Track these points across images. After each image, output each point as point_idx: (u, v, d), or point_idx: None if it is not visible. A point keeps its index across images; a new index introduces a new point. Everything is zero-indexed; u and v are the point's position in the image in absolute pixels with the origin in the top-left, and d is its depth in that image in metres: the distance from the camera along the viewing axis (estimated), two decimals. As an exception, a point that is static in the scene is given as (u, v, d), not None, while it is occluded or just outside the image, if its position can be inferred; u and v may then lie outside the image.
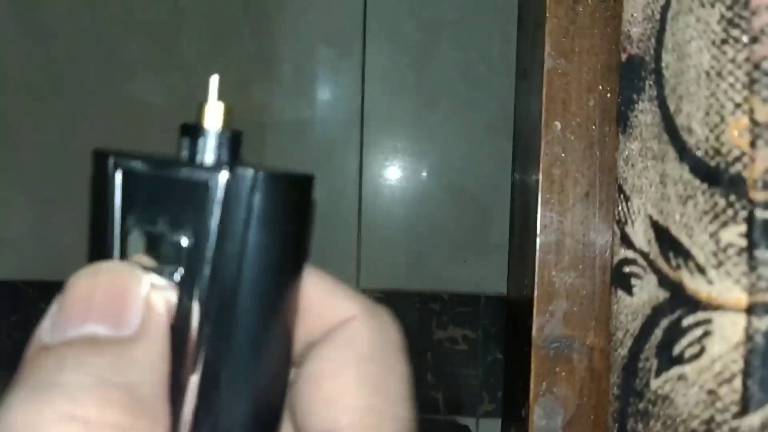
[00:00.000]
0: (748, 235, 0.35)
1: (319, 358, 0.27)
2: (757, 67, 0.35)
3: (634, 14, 0.43)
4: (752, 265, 0.35)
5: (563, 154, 0.46)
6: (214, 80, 0.28)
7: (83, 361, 0.22)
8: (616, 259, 0.44)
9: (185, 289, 0.25)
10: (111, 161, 0.26)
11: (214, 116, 0.27)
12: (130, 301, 0.24)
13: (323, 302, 0.28)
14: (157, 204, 0.25)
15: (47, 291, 1.29)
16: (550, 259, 0.47)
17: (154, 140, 1.31)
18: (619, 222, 0.44)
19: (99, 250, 0.26)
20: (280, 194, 0.26)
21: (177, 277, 0.25)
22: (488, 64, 1.26)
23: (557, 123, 0.46)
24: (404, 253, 1.29)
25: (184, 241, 0.25)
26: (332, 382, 0.27)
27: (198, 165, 0.26)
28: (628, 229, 0.43)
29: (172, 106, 1.27)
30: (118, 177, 0.26)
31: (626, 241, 0.43)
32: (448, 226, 1.29)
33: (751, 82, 0.35)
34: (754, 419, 0.35)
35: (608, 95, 0.46)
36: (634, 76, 0.43)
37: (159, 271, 0.25)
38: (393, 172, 1.29)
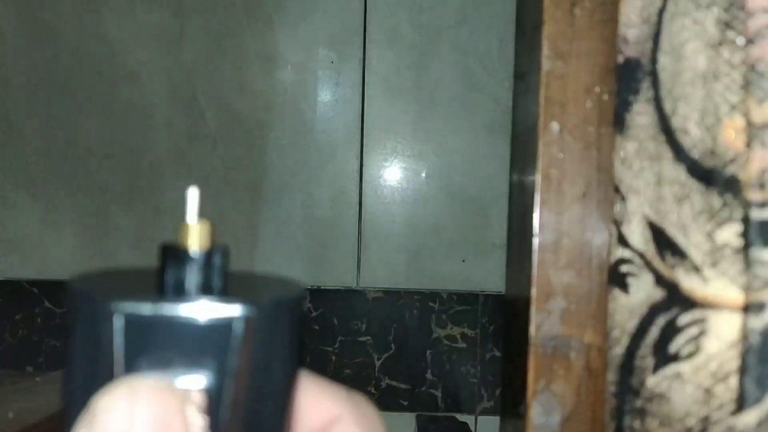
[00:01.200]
0: (744, 234, 0.36)
1: None
2: (752, 68, 0.35)
3: (631, 17, 0.43)
4: (747, 264, 0.35)
5: (561, 155, 0.46)
6: (193, 194, 0.26)
7: None
8: (612, 259, 0.44)
9: (209, 427, 0.23)
10: (109, 306, 0.23)
11: (199, 236, 0.25)
12: (175, 425, 0.23)
13: (310, 404, 0.28)
14: (166, 347, 0.23)
15: (51, 290, 1.29)
16: (548, 259, 0.47)
17: (156, 141, 1.31)
18: (615, 222, 0.44)
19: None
20: (292, 317, 0.25)
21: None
22: (486, 67, 1.26)
23: (555, 124, 0.46)
24: (404, 252, 1.30)
25: (202, 383, 0.23)
26: None
27: (211, 300, 0.24)
28: (625, 229, 0.43)
29: (175, 107, 1.27)
30: (119, 323, 0.23)
31: (623, 241, 0.43)
32: (447, 226, 1.30)
33: (747, 84, 0.35)
34: (749, 417, 0.35)
35: (605, 97, 0.46)
36: (630, 78, 0.43)
37: None
38: (393, 173, 1.29)
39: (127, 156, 1.27)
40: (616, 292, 0.43)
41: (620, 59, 0.44)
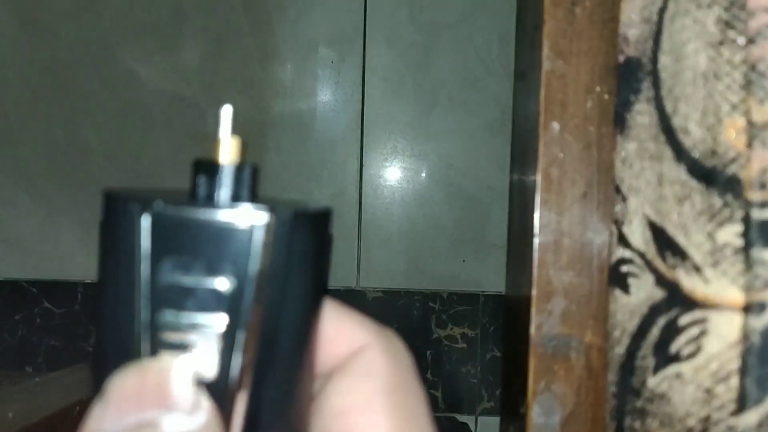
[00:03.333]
0: (745, 234, 0.36)
1: (344, 392, 0.27)
2: (753, 68, 0.35)
3: (632, 16, 0.43)
4: (748, 264, 0.35)
5: (561, 155, 0.46)
6: (227, 111, 0.27)
7: None
8: (613, 259, 0.44)
9: (227, 336, 0.24)
10: (136, 206, 0.24)
11: (230, 151, 0.26)
12: (181, 388, 0.23)
13: (335, 332, 0.28)
14: (191, 250, 0.24)
15: (51, 290, 1.29)
16: (549, 259, 0.47)
17: (155, 140, 1.31)
18: (616, 222, 0.44)
19: (125, 302, 0.24)
20: (317, 232, 0.26)
21: (219, 326, 0.24)
22: (487, 66, 1.26)
23: (555, 124, 0.46)
24: (404, 252, 1.30)
25: (224, 287, 0.24)
26: (362, 416, 0.26)
27: (236, 206, 0.24)
28: (626, 229, 0.43)
29: (174, 106, 1.27)
30: (146, 223, 0.24)
31: (623, 241, 0.43)
32: (447, 226, 1.30)
33: (748, 84, 0.35)
34: (750, 417, 0.35)
35: (606, 96, 0.46)
36: (631, 78, 0.43)
37: (197, 322, 0.24)
38: (392, 173, 1.29)
39: (127, 156, 1.27)
40: (617, 293, 0.43)
41: (621, 59, 0.44)
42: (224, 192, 0.25)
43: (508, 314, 0.55)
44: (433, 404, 1.25)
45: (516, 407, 0.49)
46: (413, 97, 1.29)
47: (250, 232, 0.24)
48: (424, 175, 1.29)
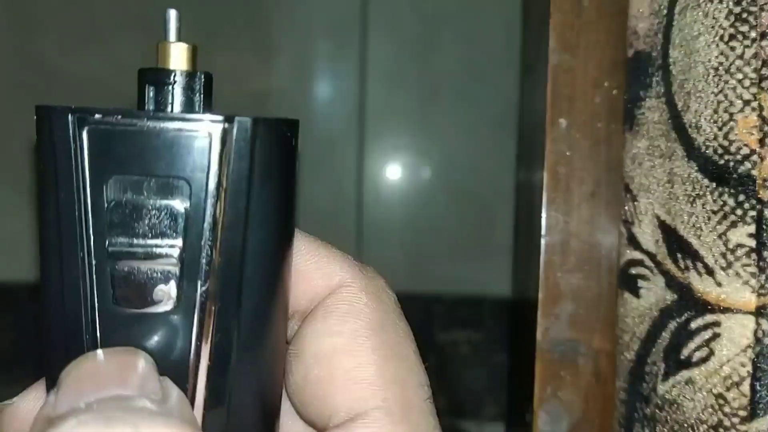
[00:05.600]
0: (757, 235, 0.35)
1: (326, 333, 0.26)
2: (765, 63, 0.35)
3: (641, 9, 0.42)
4: (761, 266, 0.35)
5: (569, 153, 0.46)
6: (173, 15, 0.25)
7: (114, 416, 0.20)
8: (622, 261, 0.44)
9: (186, 260, 0.22)
10: (72, 117, 0.21)
11: (179, 57, 0.24)
12: (139, 366, 0.21)
13: (311, 267, 0.26)
14: (140, 166, 0.22)
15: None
16: (556, 261, 0.47)
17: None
18: (625, 222, 0.43)
19: (69, 231, 0.22)
20: (280, 142, 0.23)
21: (176, 252, 0.22)
22: (492, 59, 1.25)
23: (562, 120, 0.46)
24: (405, 253, 1.29)
25: (179, 206, 0.22)
26: (347, 357, 0.25)
27: (187, 115, 0.22)
28: (635, 230, 0.42)
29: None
30: (84, 136, 0.21)
31: (633, 242, 0.42)
32: (451, 226, 1.29)
33: (760, 79, 0.35)
34: (762, 424, 0.34)
35: (614, 92, 0.46)
36: (641, 73, 0.42)
37: (152, 249, 0.22)
38: (394, 170, 1.28)
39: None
40: (626, 296, 0.43)
41: (630, 53, 0.43)
42: (175, 102, 0.23)
43: (514, 318, 0.55)
44: (436, 411, 1.25)
45: (522, 414, 0.49)
46: (415, 91, 1.28)
47: (206, 141, 0.22)
48: (426, 172, 1.29)
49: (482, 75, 1.28)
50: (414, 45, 1.27)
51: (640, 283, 0.42)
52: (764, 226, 0.35)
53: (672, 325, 0.39)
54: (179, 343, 0.22)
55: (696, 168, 0.37)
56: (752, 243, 0.35)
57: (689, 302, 0.38)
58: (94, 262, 0.22)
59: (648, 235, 0.41)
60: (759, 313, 0.35)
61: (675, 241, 0.39)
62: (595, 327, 0.46)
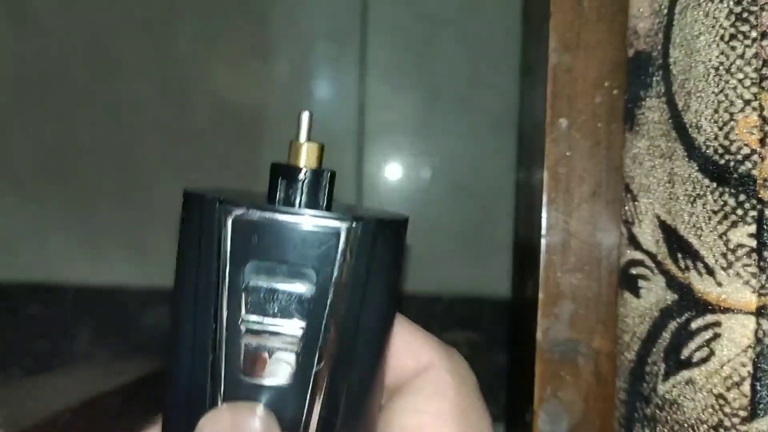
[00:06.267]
0: (758, 235, 0.35)
1: (413, 410, 0.28)
2: (766, 63, 0.35)
3: (641, 9, 0.42)
4: (762, 266, 0.35)
5: (569, 153, 0.46)
6: (306, 117, 0.27)
7: None
8: (623, 261, 0.43)
9: (306, 340, 0.24)
10: (219, 207, 0.24)
11: (309, 156, 0.26)
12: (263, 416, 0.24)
13: (403, 347, 0.28)
14: (274, 254, 0.24)
15: (39, 292, 1.29)
16: (556, 261, 0.47)
17: (146, 137, 1.30)
18: (626, 222, 0.43)
19: (205, 306, 0.25)
20: (397, 240, 0.26)
21: (298, 331, 0.24)
22: (492, 59, 1.25)
23: (563, 120, 0.46)
24: (405, 254, 1.29)
25: (305, 292, 0.24)
26: None
27: (320, 212, 0.25)
28: (636, 230, 0.42)
29: (168, 103, 1.26)
30: (229, 224, 0.24)
31: (633, 242, 0.42)
32: (451, 227, 1.28)
33: (761, 79, 0.35)
34: (763, 424, 0.34)
35: (615, 92, 0.46)
36: (641, 72, 0.42)
37: (278, 327, 0.24)
38: (393, 172, 1.28)
39: (117, 153, 1.26)
40: (627, 296, 0.43)
41: (630, 52, 0.43)
42: (303, 197, 0.26)
43: (514, 318, 0.55)
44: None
45: (521, 414, 0.49)
46: (414, 93, 1.27)
47: (334, 237, 0.24)
48: (425, 173, 1.28)
49: (482, 75, 1.28)
50: (414, 46, 1.27)
51: (641, 283, 0.42)
52: (765, 226, 0.35)
53: (672, 325, 0.39)
54: (291, 413, 0.25)
55: (696, 168, 0.37)
56: (753, 243, 0.35)
57: (690, 302, 0.38)
58: (225, 335, 0.24)
59: (648, 235, 0.41)
60: (759, 313, 0.35)
61: (675, 241, 0.39)
62: (595, 327, 0.46)
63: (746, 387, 0.35)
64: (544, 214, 0.46)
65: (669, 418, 0.39)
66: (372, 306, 0.25)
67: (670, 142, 0.39)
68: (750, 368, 0.35)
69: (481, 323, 1.31)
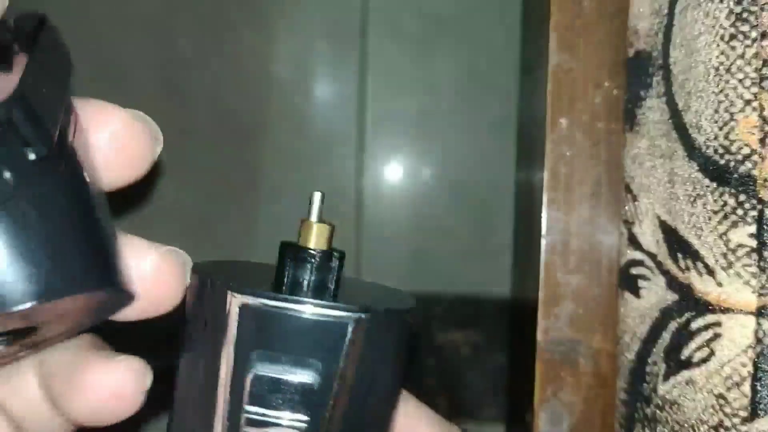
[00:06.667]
0: (758, 235, 0.35)
1: None
2: (766, 63, 0.35)
3: (641, 9, 0.42)
4: (762, 266, 0.35)
5: (569, 153, 0.46)
6: (318, 197, 0.27)
7: None
8: (623, 261, 0.43)
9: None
10: (229, 293, 0.24)
11: (321, 237, 0.26)
12: None
13: (406, 425, 0.29)
14: (279, 343, 0.24)
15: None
16: (556, 261, 0.46)
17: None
18: (626, 222, 0.43)
19: (207, 395, 0.24)
20: (403, 329, 0.26)
21: (303, 422, 0.24)
22: (492, 59, 1.25)
23: (563, 120, 0.46)
24: (405, 254, 1.29)
25: (310, 383, 0.24)
26: None
27: (329, 303, 0.24)
28: (636, 230, 0.42)
29: (168, 104, 1.26)
30: (236, 310, 0.24)
31: (634, 242, 0.42)
32: (451, 226, 1.28)
33: (761, 79, 0.35)
34: (763, 424, 0.34)
35: (615, 92, 0.46)
36: (641, 72, 0.42)
37: (281, 419, 0.24)
38: (393, 171, 1.28)
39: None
40: (627, 296, 0.43)
41: (630, 52, 0.43)
42: (310, 280, 0.25)
43: (514, 318, 0.55)
44: (436, 411, 1.25)
45: (521, 415, 0.49)
46: (414, 93, 1.27)
47: (342, 328, 0.24)
48: (425, 172, 1.28)
49: (482, 75, 1.28)
50: (414, 46, 1.27)
51: (641, 283, 0.42)
52: (765, 226, 0.35)
53: (673, 325, 0.39)
54: None
55: (696, 168, 0.37)
56: (753, 243, 0.35)
57: (690, 302, 0.38)
58: (227, 424, 0.24)
59: (648, 235, 0.41)
60: (760, 313, 0.35)
61: (675, 241, 0.39)
62: (595, 327, 0.46)
63: (746, 387, 0.35)
64: (544, 214, 0.46)
65: (669, 418, 0.39)
66: (377, 395, 0.25)
67: (671, 142, 0.39)
68: (750, 368, 0.35)
69: (481, 323, 1.31)
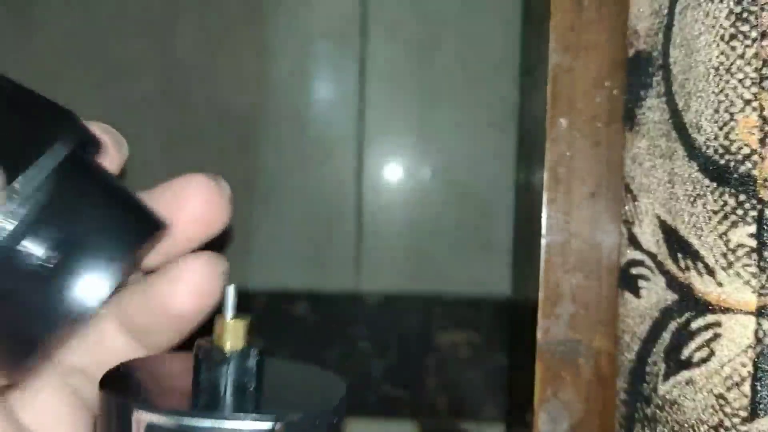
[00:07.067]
0: (758, 235, 0.35)
1: None
2: (766, 63, 0.35)
3: (641, 9, 0.42)
4: (762, 266, 0.34)
5: (569, 153, 0.46)
6: (231, 292, 0.26)
7: None
8: (623, 261, 0.43)
9: None
10: (136, 412, 0.23)
11: (236, 335, 0.25)
12: None
13: None
14: None
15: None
16: (556, 261, 0.46)
17: (147, 138, 1.31)
18: (626, 222, 0.43)
19: None
20: (328, 428, 0.25)
21: None
22: (492, 59, 1.25)
23: (563, 120, 0.46)
24: (405, 254, 1.29)
25: None
26: None
27: (241, 415, 0.23)
28: (636, 230, 0.42)
29: (167, 104, 1.26)
30: (143, 430, 0.23)
31: (634, 242, 0.42)
32: (451, 226, 1.28)
33: (761, 79, 0.35)
34: (763, 424, 0.34)
35: (615, 92, 0.46)
36: (641, 72, 0.42)
37: None
38: (393, 171, 1.28)
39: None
40: (627, 296, 0.43)
41: (630, 52, 0.43)
42: (227, 383, 0.24)
43: (514, 318, 0.55)
44: (436, 412, 1.25)
45: (521, 415, 0.49)
46: (415, 92, 1.27)
47: None
48: (425, 173, 1.28)
49: (482, 75, 1.28)
50: (414, 45, 1.27)
51: (641, 283, 0.42)
52: (765, 226, 0.34)
53: (672, 325, 0.39)
54: None
55: (696, 168, 0.37)
56: (753, 243, 0.35)
57: (690, 302, 0.38)
58: None
59: (648, 235, 0.41)
60: (760, 313, 0.35)
61: (675, 241, 0.39)
62: (595, 327, 0.46)
63: (746, 387, 0.35)
64: (544, 214, 0.46)
65: (669, 418, 0.39)
66: None
67: (670, 142, 0.39)
68: (750, 368, 0.35)
69: (481, 323, 1.31)
